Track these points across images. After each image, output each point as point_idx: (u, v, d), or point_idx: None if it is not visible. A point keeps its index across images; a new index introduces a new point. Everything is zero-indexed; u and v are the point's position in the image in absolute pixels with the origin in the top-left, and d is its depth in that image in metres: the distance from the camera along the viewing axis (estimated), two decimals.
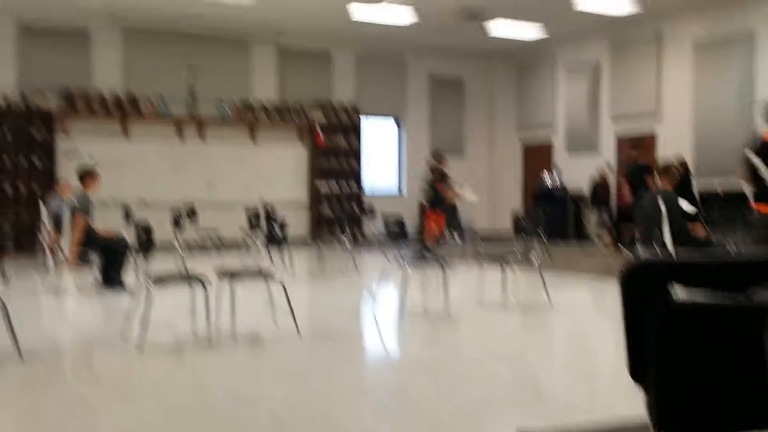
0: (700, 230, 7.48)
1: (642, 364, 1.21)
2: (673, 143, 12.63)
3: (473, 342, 5.77)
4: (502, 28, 13.73)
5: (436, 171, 11.57)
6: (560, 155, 15.29)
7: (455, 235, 11.64)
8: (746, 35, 11.67)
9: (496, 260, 7.28)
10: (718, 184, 11.54)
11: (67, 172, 11.48)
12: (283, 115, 14.38)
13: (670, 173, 7.39)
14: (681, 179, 9.14)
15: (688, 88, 12.65)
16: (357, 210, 14.79)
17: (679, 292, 1.24)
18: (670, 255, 6.79)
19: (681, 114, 12.75)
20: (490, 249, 12.16)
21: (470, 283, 8.49)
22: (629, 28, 13.53)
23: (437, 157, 12.07)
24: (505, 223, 12.46)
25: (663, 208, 6.92)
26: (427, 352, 5.39)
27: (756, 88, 11.56)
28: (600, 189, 13.91)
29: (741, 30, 11.76)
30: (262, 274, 5.83)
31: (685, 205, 10.39)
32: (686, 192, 9.19)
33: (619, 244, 12.56)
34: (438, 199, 11.40)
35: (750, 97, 11.60)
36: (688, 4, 12.24)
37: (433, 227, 11.27)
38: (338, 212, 14.01)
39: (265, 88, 14.36)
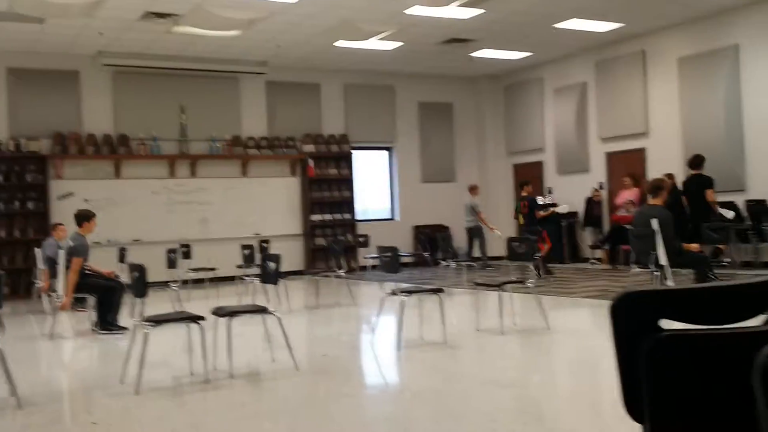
0: (694, 247, 7.50)
1: (637, 402, 1.20)
2: (663, 159, 12.70)
3: (473, 370, 5.75)
4: (487, 50, 13.87)
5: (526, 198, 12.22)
6: (551, 176, 15.35)
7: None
8: (730, 48, 11.78)
9: (493, 285, 7.27)
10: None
11: (61, 214, 11.46)
12: (273, 148, 14.42)
13: (661, 191, 7.44)
14: (672, 195, 9.20)
15: (675, 104, 12.74)
16: (351, 239, 14.77)
17: (670, 325, 1.25)
18: (665, 276, 6.77)
19: (669, 130, 12.82)
20: (485, 273, 12.16)
21: (467, 310, 8.48)
22: (613, 47, 13.67)
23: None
24: (499, 248, 12.46)
25: (656, 227, 6.94)
26: (427, 382, 5.36)
27: (743, 102, 11.65)
28: (594, 209, 13.96)
29: (725, 43, 11.87)
30: (258, 310, 5.81)
31: (728, 213, 10.53)
32: (676, 208, 9.22)
33: (615, 264, 12.58)
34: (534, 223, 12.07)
35: (737, 110, 11.68)
36: (671, 21, 12.38)
37: (543, 247, 11.59)
38: (332, 242, 14.00)
39: (254, 122, 14.42)
